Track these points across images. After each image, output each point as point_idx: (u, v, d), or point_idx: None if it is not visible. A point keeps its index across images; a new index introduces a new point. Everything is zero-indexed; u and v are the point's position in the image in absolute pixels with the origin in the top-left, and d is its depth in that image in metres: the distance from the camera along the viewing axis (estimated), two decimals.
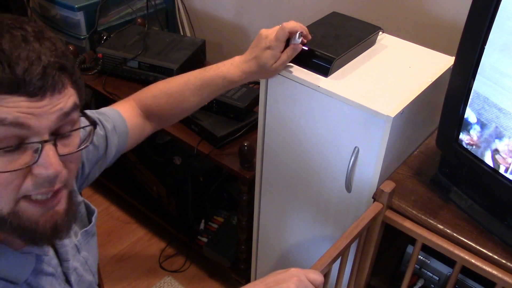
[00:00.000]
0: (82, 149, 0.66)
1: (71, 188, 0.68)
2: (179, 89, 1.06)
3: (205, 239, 1.90)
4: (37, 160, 0.59)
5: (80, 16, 2.00)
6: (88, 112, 0.92)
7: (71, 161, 0.65)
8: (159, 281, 1.91)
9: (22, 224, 0.62)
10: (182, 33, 2.33)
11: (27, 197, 0.61)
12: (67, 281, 0.78)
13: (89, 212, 0.87)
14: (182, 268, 1.96)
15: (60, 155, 0.62)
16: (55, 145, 0.61)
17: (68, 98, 0.62)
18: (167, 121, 1.12)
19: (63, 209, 0.65)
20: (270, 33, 1.05)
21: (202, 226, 1.93)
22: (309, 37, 1.11)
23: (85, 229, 0.84)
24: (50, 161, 0.60)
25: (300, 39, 1.07)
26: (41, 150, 0.59)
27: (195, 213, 1.93)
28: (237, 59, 1.08)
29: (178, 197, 1.97)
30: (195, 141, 1.62)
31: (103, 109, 1.01)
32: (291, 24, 1.04)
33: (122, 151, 1.03)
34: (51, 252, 0.74)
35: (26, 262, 0.69)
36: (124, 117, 1.01)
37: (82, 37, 2.05)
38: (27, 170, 0.60)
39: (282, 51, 1.07)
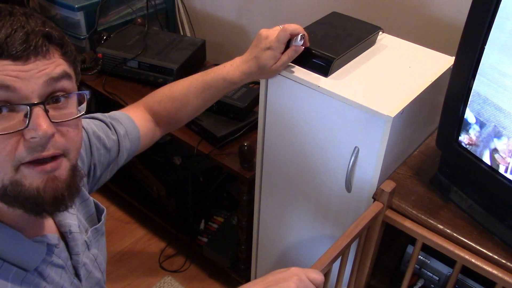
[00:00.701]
0: (78, 117, 0.67)
1: (74, 162, 0.68)
2: (183, 92, 1.07)
3: (205, 239, 1.90)
4: (28, 124, 0.60)
5: (80, 16, 2.00)
6: (100, 115, 0.94)
7: (68, 129, 0.65)
8: (159, 281, 1.91)
9: (24, 192, 0.62)
10: (182, 33, 2.33)
11: (25, 164, 0.62)
12: (76, 274, 0.79)
13: (98, 211, 0.89)
14: (182, 268, 1.96)
15: (52, 121, 0.62)
16: (45, 110, 0.62)
17: (56, 65, 0.63)
18: (175, 125, 1.14)
19: (64, 177, 0.65)
20: (270, 33, 1.05)
21: (202, 226, 1.93)
22: (307, 44, 1.11)
23: (95, 226, 0.85)
24: (39, 122, 0.60)
25: (302, 41, 1.07)
26: (30, 113, 0.60)
27: (195, 213, 1.93)
28: (237, 60, 1.08)
29: (178, 197, 1.97)
30: (195, 141, 1.62)
31: (115, 114, 1.03)
32: (293, 26, 1.04)
33: (133, 155, 1.05)
34: (61, 244, 0.75)
35: (37, 251, 0.70)
36: (135, 122, 1.03)
37: (82, 37, 2.05)
38: (20, 136, 0.61)
39: (283, 53, 1.07)
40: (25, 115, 0.60)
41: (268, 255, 1.56)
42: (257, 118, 1.31)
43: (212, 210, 1.99)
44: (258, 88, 1.29)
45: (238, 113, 1.62)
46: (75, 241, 0.78)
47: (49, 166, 0.63)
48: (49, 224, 0.76)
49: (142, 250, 2.04)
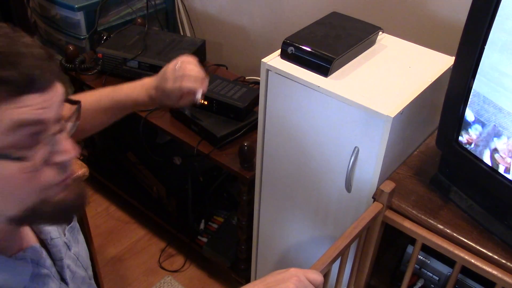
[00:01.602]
0: (77, 124, 0.67)
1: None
2: (91, 107, 1.05)
3: (205, 239, 1.90)
4: (55, 150, 0.60)
5: (80, 16, 2.00)
6: None
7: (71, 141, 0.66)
8: (159, 281, 1.91)
9: (55, 206, 0.63)
10: (182, 33, 2.33)
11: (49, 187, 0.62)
12: (62, 279, 0.78)
13: None
14: (182, 268, 1.96)
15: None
16: (65, 131, 0.63)
17: (61, 85, 0.63)
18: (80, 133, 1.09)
19: (72, 182, 0.67)
20: (172, 69, 1.01)
21: (202, 226, 1.93)
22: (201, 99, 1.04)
23: (70, 225, 0.85)
24: (68, 147, 0.62)
25: (200, 97, 1.00)
26: (56, 141, 0.60)
27: (195, 213, 1.93)
28: (147, 83, 1.04)
29: (178, 197, 1.97)
30: (195, 141, 1.62)
31: None
32: (190, 84, 0.98)
33: None
34: (44, 253, 0.74)
35: (22, 269, 0.69)
36: None
37: (82, 37, 2.05)
38: (45, 163, 0.60)
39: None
40: (49, 142, 0.60)
41: (268, 255, 1.56)
42: (257, 118, 1.31)
43: (212, 210, 1.98)
44: (258, 88, 1.29)
45: (238, 113, 1.62)
46: (56, 247, 0.77)
47: (69, 180, 0.64)
48: (28, 234, 0.75)
49: (142, 250, 2.04)
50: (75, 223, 0.87)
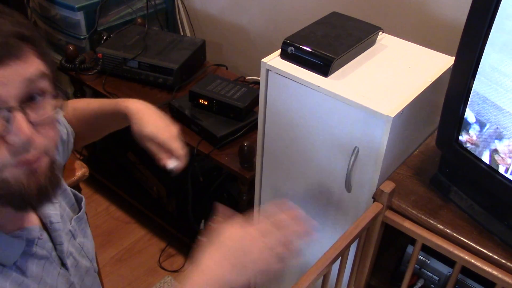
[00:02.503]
0: (54, 114, 0.66)
1: (53, 157, 0.68)
2: (84, 111, 1.03)
3: (205, 239, 1.89)
4: (8, 129, 0.60)
5: (80, 16, 2.00)
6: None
7: (46, 128, 0.65)
8: (159, 281, 1.91)
9: (9, 189, 0.62)
10: (182, 33, 2.33)
11: (9, 165, 0.62)
12: (63, 264, 0.79)
13: (77, 200, 0.89)
14: (182, 268, 1.96)
15: (31, 122, 0.62)
16: (24, 112, 0.61)
17: (32, 66, 0.62)
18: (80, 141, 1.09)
19: (44, 172, 0.65)
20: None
21: (202, 226, 1.93)
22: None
23: (77, 215, 0.86)
24: (20, 127, 0.60)
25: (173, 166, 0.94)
26: (11, 118, 0.60)
27: (195, 213, 1.93)
28: (125, 103, 0.99)
29: (178, 197, 1.97)
30: (195, 141, 1.62)
31: None
32: (153, 148, 0.93)
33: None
34: (44, 235, 0.75)
35: (15, 245, 0.70)
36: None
37: (82, 37, 2.05)
38: (1, 140, 0.60)
39: None
40: (6, 120, 0.60)
41: None
42: (257, 118, 1.31)
43: (212, 210, 1.98)
44: (258, 88, 1.29)
45: (238, 113, 1.62)
46: (56, 231, 0.78)
47: (35, 164, 0.63)
48: (31, 216, 0.76)
49: (142, 250, 2.04)
50: (83, 214, 0.88)
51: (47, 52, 0.67)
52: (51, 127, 0.66)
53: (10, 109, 0.60)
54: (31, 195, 0.64)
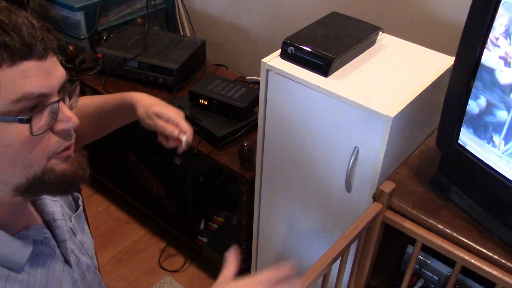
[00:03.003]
0: (77, 100, 0.72)
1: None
2: (87, 108, 1.05)
3: (205, 239, 1.90)
4: (56, 118, 0.65)
5: (80, 16, 2.00)
6: None
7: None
8: (159, 281, 1.91)
9: (58, 176, 0.67)
10: (182, 33, 2.33)
11: (53, 156, 0.66)
12: (66, 262, 0.79)
13: (74, 199, 0.90)
14: (182, 268, 1.96)
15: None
16: (65, 102, 0.67)
17: (57, 63, 0.66)
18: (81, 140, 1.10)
19: (77, 156, 0.71)
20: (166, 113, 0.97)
21: (202, 226, 1.93)
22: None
23: (76, 213, 0.87)
24: (68, 115, 0.66)
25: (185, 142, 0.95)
26: (58, 109, 0.64)
27: (195, 213, 1.93)
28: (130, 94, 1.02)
29: (178, 197, 1.97)
30: (195, 141, 1.62)
31: None
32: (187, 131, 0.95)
33: None
34: (48, 233, 0.75)
35: (23, 248, 0.70)
36: None
37: (82, 37, 2.05)
38: (49, 130, 0.65)
39: None
40: (52, 111, 0.64)
41: (268, 255, 1.56)
42: (257, 118, 1.31)
43: (212, 210, 1.98)
44: (258, 88, 1.29)
45: (238, 113, 1.62)
46: (59, 228, 0.79)
47: (71, 151, 0.68)
48: (33, 214, 0.77)
49: (142, 250, 2.04)
50: (81, 212, 0.89)
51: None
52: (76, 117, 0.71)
53: (57, 101, 0.64)
54: (75, 180, 0.69)
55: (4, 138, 0.61)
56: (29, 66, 0.60)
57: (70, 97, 0.69)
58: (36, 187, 0.66)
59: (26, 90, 0.60)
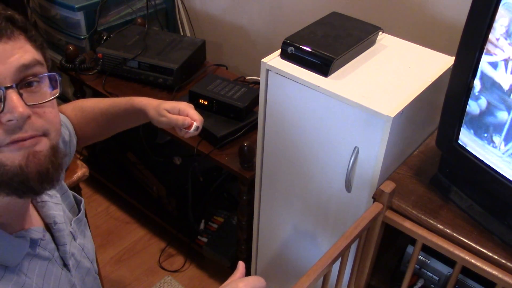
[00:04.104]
0: (53, 98, 0.67)
1: (54, 142, 0.68)
2: (91, 110, 1.06)
3: (205, 239, 1.90)
4: (3, 108, 0.60)
5: (80, 16, 2.00)
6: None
7: (45, 110, 0.66)
8: (159, 281, 1.91)
9: (7, 171, 0.62)
10: (182, 33, 2.33)
11: (4, 146, 0.62)
12: (65, 265, 0.79)
13: (77, 202, 0.90)
14: (182, 268, 1.96)
15: (27, 104, 0.62)
16: (19, 93, 0.62)
17: (24, 51, 0.63)
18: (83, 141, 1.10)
19: (45, 152, 0.65)
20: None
21: (202, 226, 1.93)
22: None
23: (77, 217, 0.86)
24: (14, 105, 0.60)
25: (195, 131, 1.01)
26: (5, 97, 0.60)
27: (195, 213, 1.93)
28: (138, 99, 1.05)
29: (178, 197, 1.97)
30: (195, 141, 1.62)
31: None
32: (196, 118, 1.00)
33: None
34: (47, 236, 0.75)
35: (18, 247, 0.69)
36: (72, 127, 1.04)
37: (82, 37, 2.05)
38: None
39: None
40: (0, 100, 0.61)
41: (268, 255, 1.56)
42: (257, 118, 1.31)
43: (212, 210, 1.98)
44: (258, 88, 1.29)
45: (238, 113, 1.62)
46: (60, 232, 0.78)
47: (28, 142, 0.63)
48: (34, 217, 0.76)
49: (142, 250, 2.04)
50: (82, 216, 0.89)
51: (40, 41, 0.68)
52: (51, 112, 0.67)
53: (4, 88, 0.60)
54: (31, 177, 0.63)
55: None
56: None
57: (29, 87, 0.64)
58: None
59: None
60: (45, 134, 0.65)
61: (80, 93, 2.00)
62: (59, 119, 0.70)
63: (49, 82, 0.67)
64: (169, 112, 1.00)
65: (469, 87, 0.95)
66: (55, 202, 0.81)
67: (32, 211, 0.76)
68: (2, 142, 0.61)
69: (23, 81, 0.63)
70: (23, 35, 0.65)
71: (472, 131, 0.97)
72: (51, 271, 0.75)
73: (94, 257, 0.90)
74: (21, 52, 0.63)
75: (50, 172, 0.65)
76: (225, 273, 1.90)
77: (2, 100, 0.60)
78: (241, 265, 0.77)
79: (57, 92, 0.67)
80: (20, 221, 0.72)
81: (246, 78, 1.91)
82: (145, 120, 1.04)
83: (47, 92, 0.67)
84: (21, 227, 0.72)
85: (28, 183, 0.63)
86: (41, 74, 0.66)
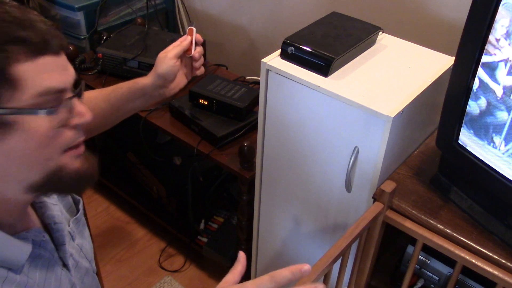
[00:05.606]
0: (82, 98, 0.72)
1: None
2: (102, 99, 1.10)
3: (205, 239, 1.90)
4: (72, 113, 0.66)
5: (80, 16, 2.00)
6: None
7: None
8: (159, 281, 1.91)
9: (69, 173, 0.68)
10: (182, 33, 2.33)
11: (67, 150, 0.67)
12: (64, 265, 0.79)
13: (75, 202, 0.90)
14: (182, 268, 1.96)
15: None
16: (79, 97, 0.68)
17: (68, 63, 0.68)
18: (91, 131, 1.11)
19: (86, 154, 0.71)
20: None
21: (202, 226, 1.93)
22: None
23: (75, 217, 0.87)
24: (82, 111, 0.67)
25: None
26: (73, 104, 0.66)
27: (195, 213, 1.93)
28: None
29: (178, 197, 1.97)
30: (195, 141, 1.62)
31: None
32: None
33: None
34: (46, 237, 0.75)
35: (22, 249, 0.70)
36: None
37: (82, 37, 2.05)
38: (64, 125, 0.66)
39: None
40: (69, 107, 0.65)
41: (268, 255, 1.56)
42: (257, 118, 1.31)
43: (212, 210, 1.98)
44: (258, 88, 1.29)
45: (238, 113, 1.62)
46: (59, 232, 0.79)
47: (82, 148, 0.69)
48: (32, 218, 0.76)
49: (142, 250, 2.04)
50: (81, 216, 0.89)
51: None
52: None
53: (72, 97, 0.66)
54: (86, 179, 0.70)
55: (24, 133, 0.61)
56: (47, 61, 0.62)
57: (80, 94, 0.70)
58: (49, 184, 0.67)
59: (47, 84, 0.61)
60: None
61: None
62: None
63: None
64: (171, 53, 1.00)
65: (469, 87, 0.95)
66: (52, 202, 0.81)
67: (30, 212, 0.77)
68: (70, 144, 0.67)
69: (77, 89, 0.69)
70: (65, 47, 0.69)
71: (472, 131, 0.98)
72: (52, 272, 0.75)
73: (93, 257, 0.90)
74: (67, 61, 0.67)
75: (95, 172, 0.72)
76: (225, 273, 1.89)
77: (70, 106, 0.66)
78: (241, 256, 0.77)
79: (83, 96, 0.73)
80: (21, 222, 0.73)
81: (246, 78, 1.91)
82: (151, 94, 1.04)
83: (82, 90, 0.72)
84: (22, 228, 0.72)
85: (83, 183, 0.70)
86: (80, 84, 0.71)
